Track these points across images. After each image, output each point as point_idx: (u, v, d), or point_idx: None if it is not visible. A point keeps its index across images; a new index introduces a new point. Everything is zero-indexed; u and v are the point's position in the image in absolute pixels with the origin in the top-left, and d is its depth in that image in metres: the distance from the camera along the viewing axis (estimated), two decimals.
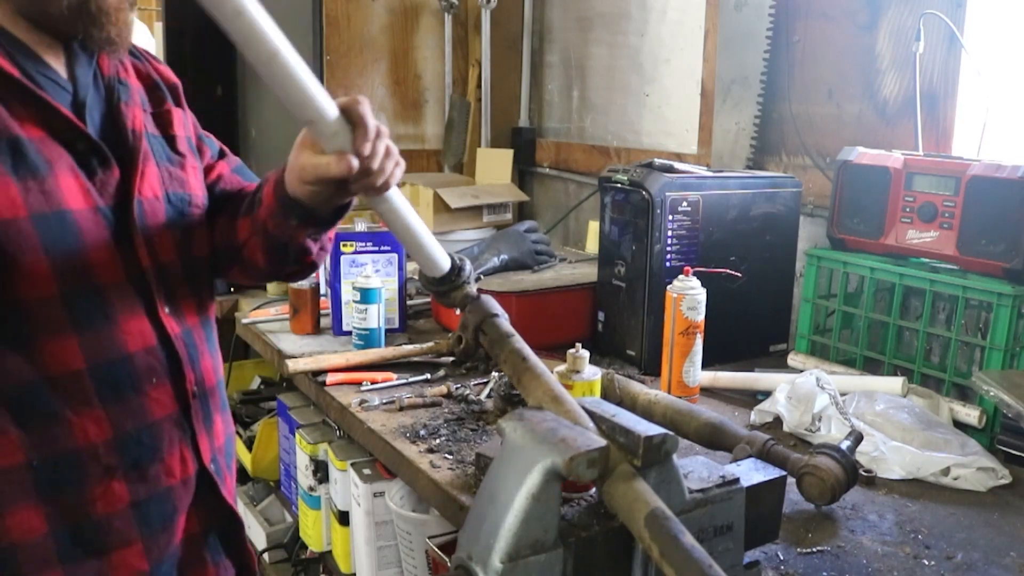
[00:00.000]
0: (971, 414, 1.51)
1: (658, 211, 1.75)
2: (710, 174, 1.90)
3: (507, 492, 0.80)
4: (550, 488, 0.79)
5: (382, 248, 2.01)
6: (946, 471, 1.34)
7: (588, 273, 2.05)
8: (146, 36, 4.13)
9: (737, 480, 0.94)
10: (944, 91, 1.85)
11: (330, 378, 1.76)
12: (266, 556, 2.35)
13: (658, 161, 1.86)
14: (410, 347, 1.86)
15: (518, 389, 1.07)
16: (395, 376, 1.77)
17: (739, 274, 1.87)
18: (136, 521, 1.01)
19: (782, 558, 1.13)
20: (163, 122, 1.13)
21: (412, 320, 2.14)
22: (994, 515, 1.26)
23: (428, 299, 2.21)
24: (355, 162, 0.96)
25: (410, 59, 3.16)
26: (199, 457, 1.09)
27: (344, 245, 1.99)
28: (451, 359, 1.84)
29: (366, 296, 1.87)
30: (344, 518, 1.91)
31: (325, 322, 2.08)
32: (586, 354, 1.36)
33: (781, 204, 1.92)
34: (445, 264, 1.20)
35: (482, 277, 2.03)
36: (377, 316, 1.89)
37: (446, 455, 1.42)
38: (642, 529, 0.78)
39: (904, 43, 1.90)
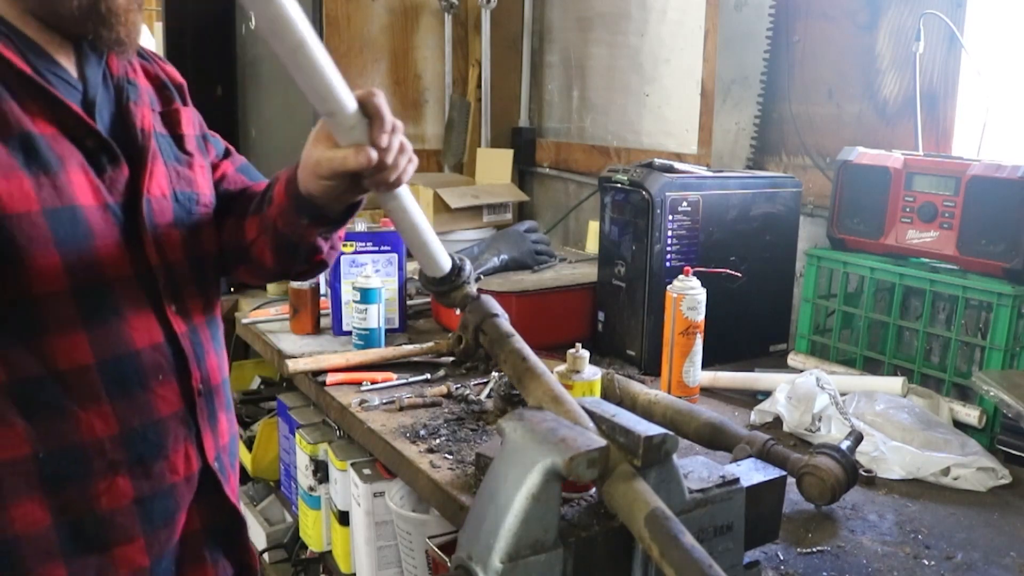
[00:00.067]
0: (971, 414, 1.51)
1: (658, 211, 1.75)
2: (710, 174, 1.90)
3: (507, 492, 0.80)
4: (550, 488, 0.79)
5: (382, 248, 2.01)
6: (946, 471, 1.34)
7: (588, 273, 2.05)
8: (146, 36, 4.13)
9: (737, 480, 0.94)
10: (944, 91, 1.85)
11: (330, 378, 1.76)
12: (266, 556, 2.35)
13: (658, 161, 1.86)
14: (410, 347, 1.86)
15: (518, 389, 1.07)
16: (395, 376, 1.77)
17: (739, 274, 1.87)
18: (139, 517, 1.01)
19: (782, 558, 1.13)
20: (171, 121, 1.14)
21: (412, 320, 2.14)
22: (994, 515, 1.26)
23: (428, 299, 2.21)
24: (374, 154, 0.96)
25: (410, 59, 3.16)
26: (203, 455, 1.09)
27: (344, 245, 1.99)
28: (451, 359, 1.84)
29: (366, 296, 1.87)
30: (344, 518, 1.91)
31: (325, 322, 2.08)
32: (586, 354, 1.36)
33: (781, 204, 1.92)
34: (446, 264, 1.20)
35: (482, 277, 2.03)
36: (377, 316, 1.89)
37: (446, 455, 1.42)
38: (642, 529, 0.78)
39: (904, 43, 1.90)
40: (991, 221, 1.55)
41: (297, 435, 2.08)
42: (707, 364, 1.71)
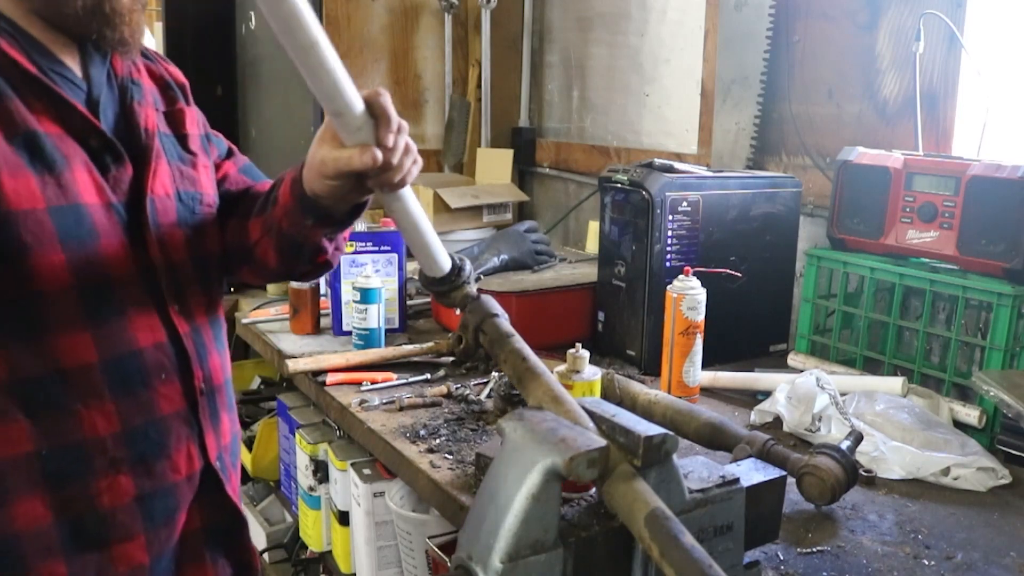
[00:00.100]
0: (971, 414, 1.51)
1: (658, 211, 1.75)
2: (710, 174, 1.90)
3: (507, 492, 0.80)
4: (550, 488, 0.79)
5: (382, 248, 2.01)
6: (946, 471, 1.34)
7: (588, 273, 2.05)
8: (146, 36, 4.13)
9: (737, 480, 0.94)
10: (944, 91, 1.85)
11: (330, 378, 1.76)
12: (266, 556, 2.35)
13: (658, 161, 1.86)
14: (410, 347, 1.86)
15: (518, 389, 1.07)
16: (395, 376, 1.77)
17: (739, 274, 1.87)
18: (140, 515, 1.01)
19: (782, 558, 1.13)
20: (175, 121, 1.15)
21: (412, 320, 2.14)
22: (994, 515, 1.26)
23: (428, 299, 2.21)
24: (379, 155, 0.96)
25: (410, 59, 3.16)
26: (205, 454, 1.09)
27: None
28: (451, 359, 1.84)
29: (366, 296, 1.87)
30: (344, 518, 1.91)
31: (325, 322, 2.08)
32: (586, 354, 1.36)
33: (781, 204, 1.92)
34: (446, 264, 1.20)
35: (482, 277, 2.03)
36: (377, 316, 1.89)
37: (446, 455, 1.42)
38: (642, 529, 0.78)
39: (904, 43, 1.90)
40: (991, 221, 1.55)
41: (297, 435, 2.08)
42: (707, 364, 1.71)
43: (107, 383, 0.98)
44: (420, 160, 1.05)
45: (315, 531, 2.10)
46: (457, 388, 1.68)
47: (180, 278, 1.08)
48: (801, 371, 1.67)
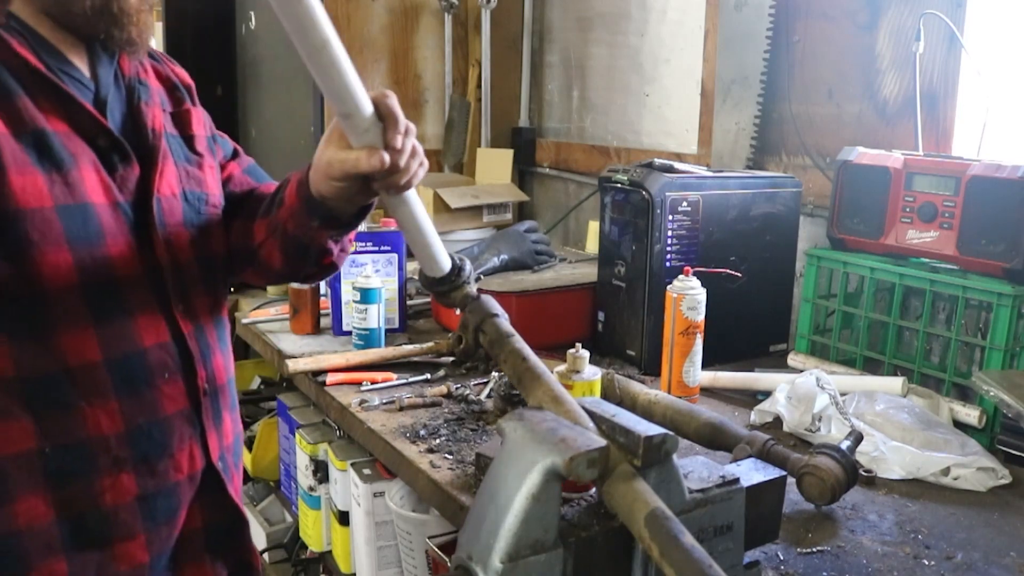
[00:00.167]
0: (971, 414, 1.51)
1: (658, 211, 1.75)
2: (710, 174, 1.90)
3: (507, 492, 0.80)
4: (550, 488, 0.79)
5: (382, 248, 2.01)
6: (946, 471, 1.34)
7: (588, 273, 2.05)
8: None
9: (737, 480, 0.94)
10: (944, 91, 1.85)
11: (330, 378, 1.76)
12: (266, 556, 2.35)
13: (658, 161, 1.86)
14: (410, 347, 1.86)
15: (518, 389, 1.07)
16: (395, 376, 1.77)
17: (739, 274, 1.87)
18: (141, 514, 1.02)
19: (782, 558, 1.13)
20: (182, 122, 1.15)
21: (412, 320, 2.14)
22: (994, 515, 1.26)
23: (428, 299, 2.21)
24: (387, 157, 0.96)
25: (410, 59, 3.16)
26: (207, 454, 1.10)
27: None
28: (451, 359, 1.84)
29: (366, 296, 1.87)
30: (344, 518, 1.91)
31: (325, 322, 2.08)
32: (586, 354, 1.36)
33: (781, 204, 1.92)
34: (446, 264, 1.20)
35: (482, 277, 2.03)
36: (377, 316, 1.89)
37: (446, 455, 1.42)
38: (642, 529, 0.78)
39: (904, 43, 1.90)
40: (991, 221, 1.55)
41: (297, 435, 2.08)
42: (707, 364, 1.71)
43: (111, 382, 0.98)
44: (426, 162, 1.05)
45: (315, 531, 2.10)
46: (457, 388, 1.68)
47: (185, 278, 1.08)
48: (801, 371, 1.67)
